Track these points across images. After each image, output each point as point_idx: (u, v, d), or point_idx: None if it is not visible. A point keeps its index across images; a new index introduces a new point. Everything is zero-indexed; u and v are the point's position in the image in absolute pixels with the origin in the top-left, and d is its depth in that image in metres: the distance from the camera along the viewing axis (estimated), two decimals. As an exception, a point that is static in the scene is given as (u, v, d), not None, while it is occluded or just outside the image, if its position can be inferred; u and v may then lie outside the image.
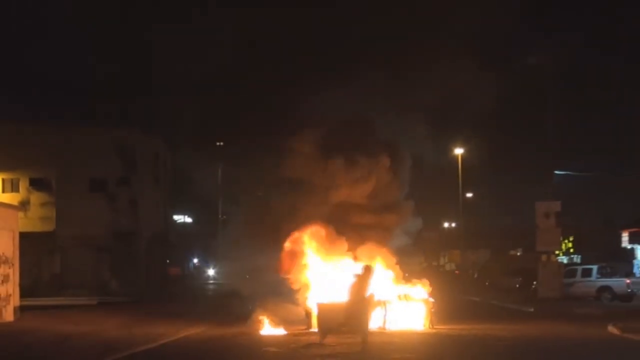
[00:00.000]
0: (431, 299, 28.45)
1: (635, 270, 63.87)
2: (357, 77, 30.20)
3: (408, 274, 31.28)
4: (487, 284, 62.49)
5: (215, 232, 58.00)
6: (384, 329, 27.01)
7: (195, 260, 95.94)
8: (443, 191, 68.67)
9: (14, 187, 55.39)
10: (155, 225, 62.66)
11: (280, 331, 26.17)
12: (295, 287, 28.74)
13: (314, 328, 26.95)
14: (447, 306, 32.64)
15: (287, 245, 28.90)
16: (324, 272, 28.76)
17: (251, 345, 22.68)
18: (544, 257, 44.75)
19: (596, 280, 43.77)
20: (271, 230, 29.51)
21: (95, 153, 55.70)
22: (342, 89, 29.51)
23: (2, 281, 27.75)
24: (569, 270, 46.94)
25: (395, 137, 31.42)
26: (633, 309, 36.59)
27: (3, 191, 54.11)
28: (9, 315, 28.08)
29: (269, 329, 26.34)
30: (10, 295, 28.35)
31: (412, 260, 38.10)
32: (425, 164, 33.81)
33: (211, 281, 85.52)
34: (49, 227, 55.10)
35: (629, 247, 77.65)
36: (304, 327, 27.36)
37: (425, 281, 29.20)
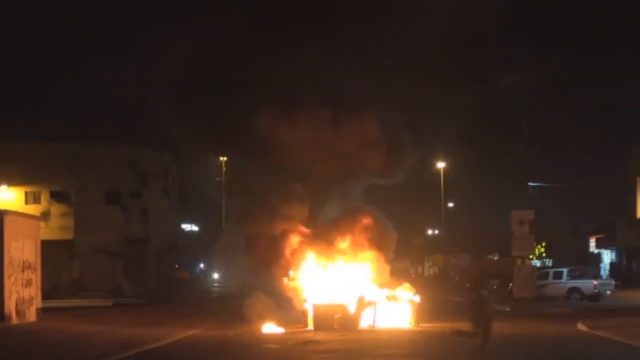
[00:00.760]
0: (416, 299, 28.48)
1: (602, 272, 63.91)
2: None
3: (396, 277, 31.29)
4: (467, 285, 62.28)
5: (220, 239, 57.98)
6: (374, 327, 27.05)
7: (202, 265, 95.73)
8: (427, 201, 68.99)
9: (36, 200, 55.46)
10: (165, 233, 62.62)
11: (279, 330, 26.16)
12: (292, 289, 28.81)
13: (310, 327, 27.05)
14: (431, 306, 32.64)
15: (285, 250, 29.03)
16: (318, 276, 28.84)
17: (252, 343, 22.64)
18: (519, 261, 44.67)
19: (566, 282, 43.78)
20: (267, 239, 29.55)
21: (110, 168, 55.88)
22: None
23: (26, 285, 27.70)
24: (541, 273, 46.93)
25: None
26: (600, 308, 36.61)
27: (26, 203, 54.12)
28: (32, 316, 28.03)
29: (268, 327, 26.32)
30: (33, 297, 28.31)
31: (399, 266, 38.14)
32: (411, 179, 33.63)
33: (216, 284, 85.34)
34: (68, 235, 55.13)
35: (595, 251, 77.86)
36: (300, 326, 27.37)
37: (407, 284, 29.25)
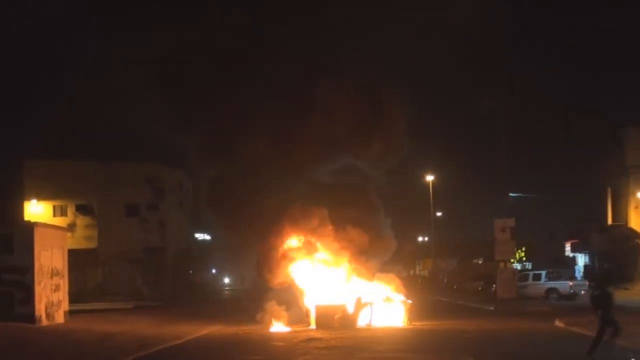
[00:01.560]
0: (409, 301, 28.49)
1: (577, 274, 63.81)
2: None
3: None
4: (454, 287, 62.29)
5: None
6: (371, 325, 27.04)
7: (214, 271, 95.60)
8: (418, 211, 69.06)
9: (63, 212, 55.51)
10: (180, 242, 62.72)
11: (285, 328, 26.16)
12: (296, 293, 28.78)
13: (313, 325, 27.05)
14: (422, 306, 32.62)
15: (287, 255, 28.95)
16: (320, 279, 28.84)
17: (261, 340, 22.67)
18: (501, 265, 44.75)
19: (545, 283, 43.75)
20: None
21: (129, 184, 55.92)
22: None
23: (54, 290, 27.69)
24: (522, 275, 46.90)
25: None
26: (575, 306, 36.56)
27: (54, 215, 54.18)
28: (60, 318, 28.01)
29: (275, 326, 26.32)
30: (61, 301, 28.29)
31: (393, 269, 38.09)
32: (403, 191, 33.43)
33: (227, 288, 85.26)
34: (92, 245, 55.14)
35: (570, 255, 77.79)
36: (304, 325, 27.37)
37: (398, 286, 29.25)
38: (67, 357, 19.43)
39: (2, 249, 26.02)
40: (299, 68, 27.83)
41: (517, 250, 63.72)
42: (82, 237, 54.65)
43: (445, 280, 68.10)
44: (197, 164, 32.94)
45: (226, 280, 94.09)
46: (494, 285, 45.67)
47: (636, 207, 56.63)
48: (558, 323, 25.91)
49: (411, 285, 36.27)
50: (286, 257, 28.53)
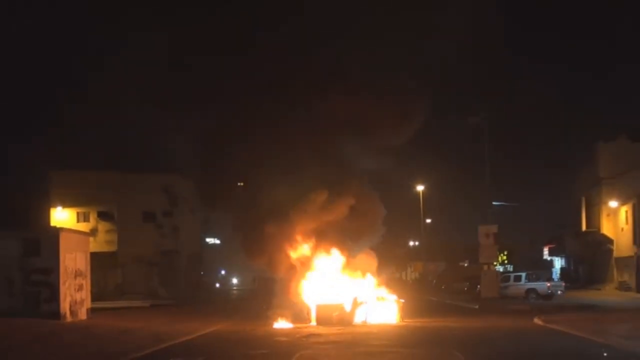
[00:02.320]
0: (401, 300, 28.47)
1: (554, 276, 63.73)
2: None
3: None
4: (443, 287, 62.20)
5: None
6: (366, 322, 27.00)
7: (223, 272, 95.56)
8: (409, 218, 69.11)
9: (85, 218, 55.42)
10: (193, 246, 62.65)
11: (287, 325, 26.10)
12: (298, 292, 28.72)
13: (313, 322, 27.00)
14: (413, 304, 32.57)
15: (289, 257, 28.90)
16: (320, 279, 28.80)
17: (266, 336, 22.59)
18: (485, 267, 44.60)
19: (525, 283, 43.70)
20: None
21: (146, 192, 55.88)
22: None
23: (78, 289, 27.66)
24: (504, 276, 46.89)
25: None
26: (553, 305, 36.53)
27: (77, 221, 54.11)
28: (82, 315, 27.98)
29: (279, 323, 26.25)
30: (84, 299, 28.27)
31: (386, 271, 38.02)
32: (396, 202, 33.14)
33: (235, 288, 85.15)
34: (112, 248, 55.04)
35: (548, 258, 77.85)
36: (305, 322, 27.30)
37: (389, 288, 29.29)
38: (88, 350, 19.38)
39: (30, 252, 26.03)
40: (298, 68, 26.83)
41: (500, 254, 63.62)
42: (103, 241, 54.56)
43: (435, 282, 67.99)
44: (197, 165, 31.93)
45: (234, 280, 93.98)
46: (479, 286, 45.56)
47: (608, 215, 56.69)
48: (537, 320, 25.86)
49: (403, 287, 36.20)
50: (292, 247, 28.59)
